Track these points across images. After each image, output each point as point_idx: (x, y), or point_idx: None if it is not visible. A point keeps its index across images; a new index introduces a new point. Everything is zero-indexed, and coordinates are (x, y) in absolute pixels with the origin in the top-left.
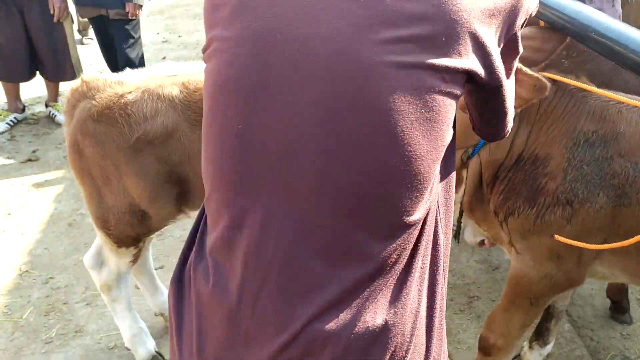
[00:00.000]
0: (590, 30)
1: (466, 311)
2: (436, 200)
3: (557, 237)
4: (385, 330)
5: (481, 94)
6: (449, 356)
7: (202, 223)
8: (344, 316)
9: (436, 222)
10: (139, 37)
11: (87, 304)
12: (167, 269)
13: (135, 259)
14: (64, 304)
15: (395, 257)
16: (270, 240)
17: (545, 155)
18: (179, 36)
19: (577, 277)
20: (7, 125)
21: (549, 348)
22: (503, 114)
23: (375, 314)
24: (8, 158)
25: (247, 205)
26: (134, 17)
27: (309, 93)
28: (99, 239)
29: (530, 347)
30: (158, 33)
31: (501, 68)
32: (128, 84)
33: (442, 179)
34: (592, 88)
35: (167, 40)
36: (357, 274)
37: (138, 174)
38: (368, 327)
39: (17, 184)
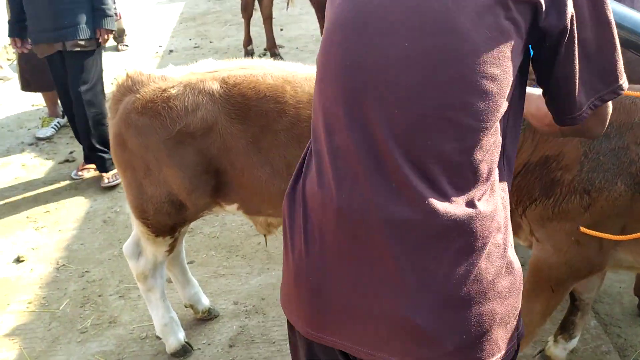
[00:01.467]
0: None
1: None
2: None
3: (582, 229)
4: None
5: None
6: None
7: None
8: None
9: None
10: (101, 71)
11: (121, 296)
12: (197, 264)
13: (171, 249)
14: (99, 296)
15: (482, 167)
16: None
17: (558, 153)
18: (210, 42)
19: (598, 262)
20: (53, 130)
21: (574, 342)
22: (573, 82)
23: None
24: (47, 159)
25: (345, 113)
26: (100, 46)
27: (403, 25)
28: (136, 229)
29: (555, 340)
30: (190, 39)
31: (570, 9)
32: (171, 79)
33: (509, 130)
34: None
35: (199, 46)
36: (442, 176)
37: (178, 165)
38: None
39: (55, 183)
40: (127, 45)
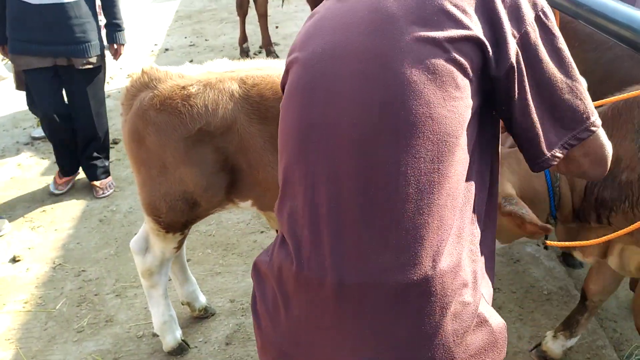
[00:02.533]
0: (599, 15)
1: None
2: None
3: (548, 242)
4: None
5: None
6: None
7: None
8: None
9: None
10: (104, 80)
11: (117, 295)
12: (193, 262)
13: (180, 245)
14: (95, 295)
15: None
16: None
17: (615, 160)
18: (206, 40)
19: None
20: None
21: (573, 341)
22: (531, 123)
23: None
24: (42, 159)
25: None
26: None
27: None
28: (145, 225)
29: (555, 336)
30: (186, 37)
31: (512, 47)
32: (189, 77)
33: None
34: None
35: (195, 44)
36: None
37: (196, 163)
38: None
39: (51, 182)
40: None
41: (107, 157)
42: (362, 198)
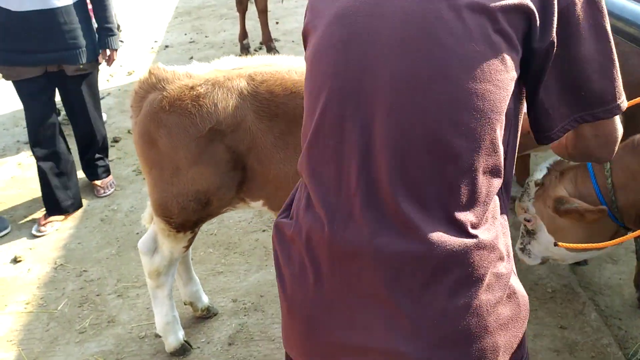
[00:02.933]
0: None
1: None
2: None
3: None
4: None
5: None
6: None
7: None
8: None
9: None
10: (98, 90)
11: (119, 295)
12: (195, 261)
13: (189, 245)
14: (97, 295)
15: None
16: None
17: None
18: (206, 36)
19: None
20: None
21: None
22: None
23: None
24: None
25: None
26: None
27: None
28: (154, 226)
29: None
30: (185, 34)
31: (556, 19)
32: (196, 76)
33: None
34: None
35: (195, 41)
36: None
37: (208, 163)
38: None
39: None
40: (122, 41)
41: (107, 156)
42: (400, 170)
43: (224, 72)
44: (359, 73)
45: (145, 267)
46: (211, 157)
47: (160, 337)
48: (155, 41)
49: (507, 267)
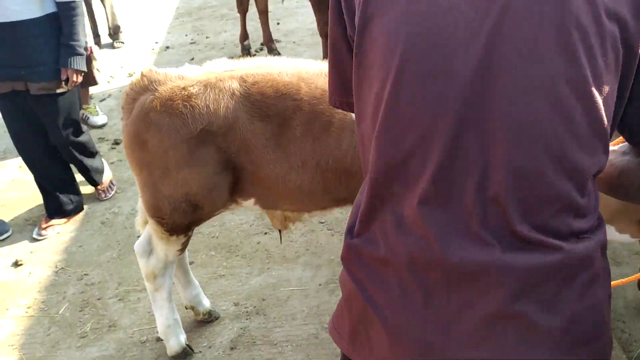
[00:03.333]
0: None
1: None
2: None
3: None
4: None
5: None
6: None
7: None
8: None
9: None
10: (78, 107)
11: (120, 299)
12: (197, 264)
13: (183, 248)
14: (98, 299)
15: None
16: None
17: None
18: (207, 37)
19: None
20: None
21: None
22: None
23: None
24: None
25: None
26: (64, 89)
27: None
28: (149, 228)
29: None
30: (186, 35)
31: None
32: (189, 78)
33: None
34: None
35: (195, 42)
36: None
37: (200, 163)
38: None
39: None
40: (122, 42)
41: (99, 163)
42: (519, 186)
43: (216, 74)
44: (479, 79)
45: (142, 269)
46: (202, 159)
47: (161, 341)
48: (156, 42)
49: (605, 259)
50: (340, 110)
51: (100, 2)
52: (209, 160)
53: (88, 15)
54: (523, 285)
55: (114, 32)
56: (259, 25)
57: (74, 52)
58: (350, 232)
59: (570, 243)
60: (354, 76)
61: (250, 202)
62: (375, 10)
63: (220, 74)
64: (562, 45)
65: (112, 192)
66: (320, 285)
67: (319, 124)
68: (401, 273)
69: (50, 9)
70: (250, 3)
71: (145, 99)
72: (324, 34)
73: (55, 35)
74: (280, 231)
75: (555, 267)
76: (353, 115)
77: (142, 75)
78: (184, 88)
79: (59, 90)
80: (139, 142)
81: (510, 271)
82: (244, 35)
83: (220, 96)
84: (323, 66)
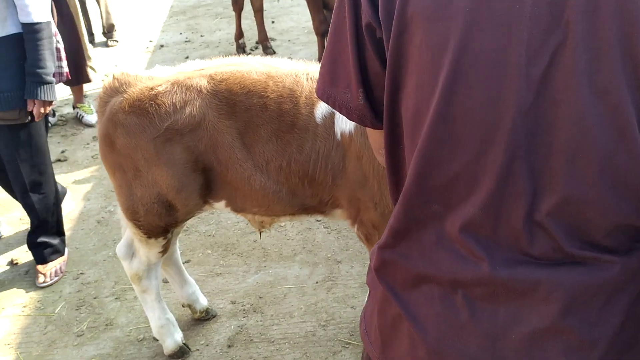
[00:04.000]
0: None
1: None
2: None
3: None
4: None
5: None
6: None
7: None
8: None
9: None
10: (46, 148)
11: (117, 298)
12: (193, 263)
13: (165, 250)
14: (95, 298)
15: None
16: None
17: None
18: (201, 35)
19: None
20: None
21: None
22: None
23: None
24: None
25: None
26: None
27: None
28: (128, 230)
29: None
30: (181, 33)
31: None
32: (158, 78)
33: None
34: None
35: (190, 40)
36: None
37: (167, 163)
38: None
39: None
40: (116, 41)
41: (60, 234)
42: (570, 211)
43: (185, 73)
44: (534, 107)
45: (126, 271)
46: (170, 158)
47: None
48: (151, 41)
49: None
50: (305, 112)
51: (94, 0)
52: (177, 160)
53: (82, 13)
54: (574, 300)
55: (108, 31)
56: (254, 23)
57: (40, 81)
58: (383, 245)
59: (626, 257)
60: (387, 80)
61: (221, 204)
62: (420, 11)
63: (189, 73)
64: (628, 75)
65: (56, 278)
66: (317, 283)
67: (284, 124)
68: (444, 288)
69: (13, 29)
70: (245, 1)
71: (115, 100)
72: (319, 33)
73: (18, 58)
74: (260, 231)
75: (608, 282)
76: (317, 117)
77: (114, 77)
78: (151, 88)
79: (21, 122)
80: (109, 144)
81: (562, 286)
82: (239, 34)
83: (188, 94)
84: (296, 67)
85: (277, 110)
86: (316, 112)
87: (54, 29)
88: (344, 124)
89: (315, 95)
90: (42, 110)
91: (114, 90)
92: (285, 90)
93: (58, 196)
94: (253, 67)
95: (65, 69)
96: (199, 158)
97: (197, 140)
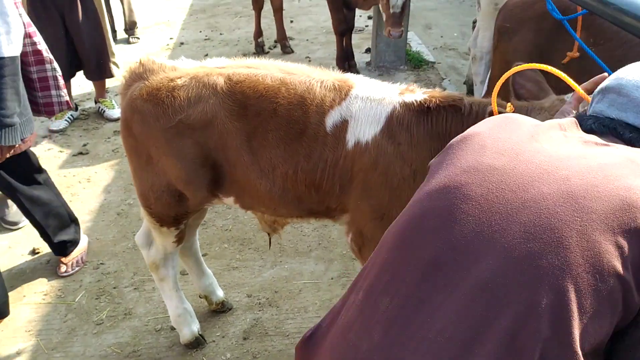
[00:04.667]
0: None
1: None
2: None
3: None
4: None
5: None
6: None
7: None
8: None
9: None
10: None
11: (135, 288)
12: (210, 256)
13: (179, 240)
14: (114, 288)
15: None
16: None
17: None
18: (221, 34)
19: None
20: (66, 122)
21: None
22: None
23: None
24: (60, 152)
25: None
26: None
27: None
28: (145, 219)
29: None
30: (200, 31)
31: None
32: (181, 69)
33: None
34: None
35: (209, 38)
36: None
37: (176, 155)
38: None
39: (68, 175)
40: (138, 38)
41: (72, 222)
42: None
43: (206, 69)
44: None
45: (145, 260)
46: (179, 150)
47: (175, 329)
48: (171, 38)
49: None
50: (314, 120)
51: None
52: (186, 154)
53: (106, 10)
54: None
55: (130, 28)
56: (273, 22)
57: (1, 124)
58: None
59: None
60: None
61: (231, 200)
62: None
63: (210, 69)
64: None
65: (77, 268)
66: (332, 279)
67: (292, 131)
68: None
69: None
70: (265, 1)
71: (137, 86)
72: (338, 32)
73: None
74: (269, 235)
75: None
76: (327, 126)
77: (140, 63)
78: (171, 79)
79: None
80: (126, 127)
81: None
82: (258, 33)
83: (204, 91)
84: (312, 74)
85: (286, 117)
86: (327, 120)
87: (49, 55)
88: (361, 133)
89: (326, 104)
90: (2, 154)
91: (138, 76)
92: (297, 98)
93: (57, 191)
94: (270, 72)
95: (65, 97)
96: (208, 154)
97: (208, 137)
